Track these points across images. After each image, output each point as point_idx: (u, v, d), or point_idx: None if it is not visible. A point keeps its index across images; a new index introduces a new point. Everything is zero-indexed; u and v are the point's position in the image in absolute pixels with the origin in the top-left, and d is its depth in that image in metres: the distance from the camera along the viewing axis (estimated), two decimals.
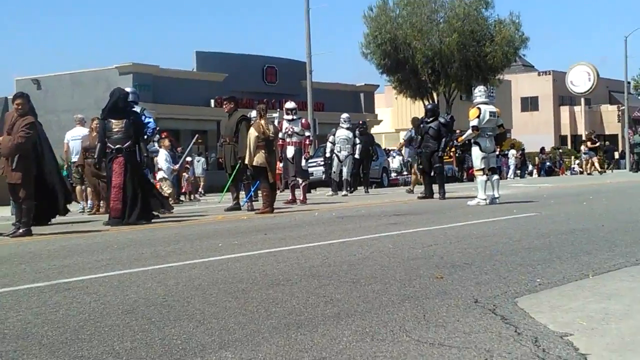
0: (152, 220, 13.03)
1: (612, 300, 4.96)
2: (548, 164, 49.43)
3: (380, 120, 49.15)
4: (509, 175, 42.62)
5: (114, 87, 15.24)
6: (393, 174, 37.01)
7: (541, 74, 73.19)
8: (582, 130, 70.83)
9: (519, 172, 44.28)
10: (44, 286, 6.23)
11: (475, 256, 7.13)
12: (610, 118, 72.74)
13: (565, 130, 72.82)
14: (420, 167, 18.31)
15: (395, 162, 38.61)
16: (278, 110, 18.64)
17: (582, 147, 52.43)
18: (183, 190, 25.19)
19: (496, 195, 14.56)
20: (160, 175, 16.86)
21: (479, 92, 15.15)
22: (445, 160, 20.66)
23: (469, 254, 7.32)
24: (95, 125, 15.52)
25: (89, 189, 17.58)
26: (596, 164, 36.80)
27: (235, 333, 4.36)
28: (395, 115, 58.00)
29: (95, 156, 13.18)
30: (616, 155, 52.17)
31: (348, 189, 22.06)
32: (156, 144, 18.94)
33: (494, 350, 3.84)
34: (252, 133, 14.33)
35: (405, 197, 19.04)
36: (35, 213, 11.43)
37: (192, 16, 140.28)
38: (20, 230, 10.94)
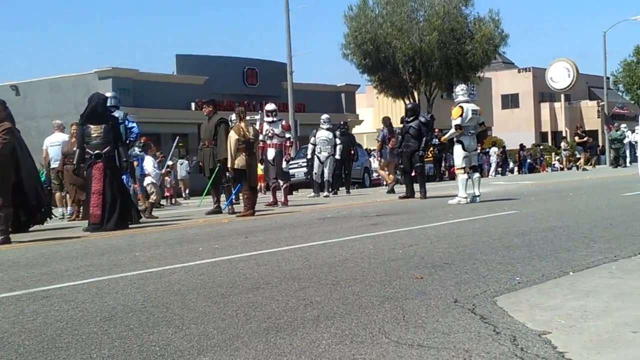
0: (132, 226, 12.96)
1: (591, 298, 4.97)
2: (529, 160, 49.64)
3: (362, 120, 49.21)
4: (490, 173, 42.76)
5: (93, 92, 15.19)
6: (375, 174, 36.98)
7: (521, 70, 73.55)
8: (562, 127, 71.18)
9: (500, 169, 44.44)
10: (22, 294, 6.18)
11: (455, 255, 7.13)
12: (590, 114, 73.11)
13: (546, 127, 73.19)
14: (401, 166, 18.33)
15: (376, 162, 38.58)
16: (260, 112, 18.59)
17: (562, 144, 52.79)
18: (165, 195, 25.11)
19: (477, 194, 14.60)
20: (148, 180, 16.72)
21: (461, 90, 15.20)
22: (426, 160, 20.69)
23: (449, 253, 7.33)
24: (74, 130, 15.44)
25: (67, 195, 17.48)
26: (582, 160, 36.88)
27: (214, 338, 4.34)
28: (376, 115, 57.87)
29: (74, 162, 13.07)
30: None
31: (330, 190, 22.07)
32: (136, 149, 18.86)
33: (472, 350, 3.84)
34: (233, 136, 14.30)
35: (386, 197, 19.05)
36: (14, 220, 11.34)
37: (171, 19, 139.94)
38: None
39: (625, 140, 38.30)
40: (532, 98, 72.37)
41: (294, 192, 25.58)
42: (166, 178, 24.30)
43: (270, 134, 17.67)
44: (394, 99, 48.93)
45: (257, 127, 17.69)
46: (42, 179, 17.75)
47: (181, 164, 30.35)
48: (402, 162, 17.91)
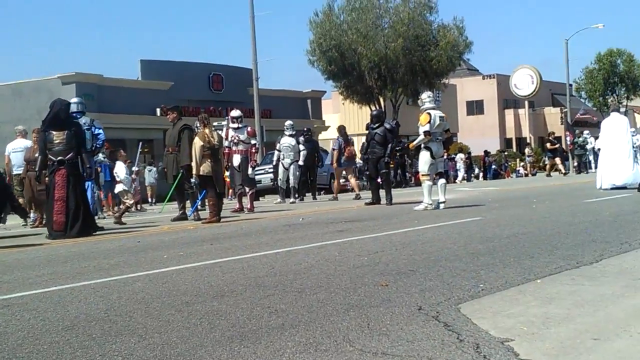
0: (96, 233, 12.85)
1: (553, 305, 5.02)
2: (494, 167, 50.05)
3: (328, 126, 49.22)
4: (458, 180, 43.07)
5: (57, 97, 15.03)
6: (342, 180, 37.03)
7: (486, 77, 74.14)
8: (526, 133, 71.93)
9: (465, 175, 44.75)
10: None
11: (420, 262, 7.16)
12: (554, 120, 73.87)
13: (511, 133, 73.84)
14: (367, 172, 18.38)
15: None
16: (226, 118, 18.55)
17: (527, 150, 53.30)
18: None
19: (442, 200, 14.68)
20: (119, 187, 16.53)
21: (428, 97, 15.28)
22: (391, 166, 20.80)
23: (414, 260, 7.35)
24: (36, 137, 15.29)
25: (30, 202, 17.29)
26: (547, 166, 37.00)
27: (178, 347, 4.31)
28: (342, 121, 57.70)
29: (37, 168, 12.93)
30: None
31: (295, 196, 22.09)
32: (101, 155, 18.72)
33: (436, 358, 3.86)
34: (197, 142, 14.25)
35: (352, 204, 19.09)
36: None
37: (136, 24, 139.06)
38: None
39: (588, 147, 38.79)
40: (496, 104, 72.99)
41: (260, 199, 25.55)
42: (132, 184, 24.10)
43: (235, 140, 17.64)
44: (360, 105, 49.03)
45: (224, 133, 17.67)
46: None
47: (149, 171, 30.17)
48: (368, 169, 17.97)
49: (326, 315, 4.96)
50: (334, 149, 22.81)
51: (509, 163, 54.29)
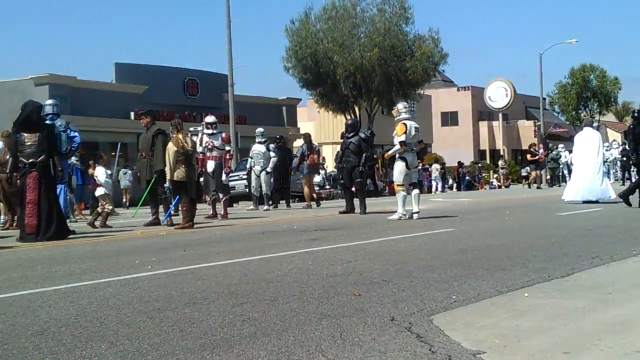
0: (68, 237, 12.73)
1: (525, 317, 5.04)
2: (467, 178, 50.32)
3: (308, 133, 49.20)
4: (435, 189, 43.32)
5: (29, 98, 14.90)
6: (316, 188, 37.06)
7: (460, 89, 74.60)
8: (500, 145, 72.40)
9: (439, 186, 44.98)
10: None
11: (393, 273, 7.17)
12: (527, 133, 74.46)
13: (484, 145, 74.32)
14: (342, 181, 18.41)
15: (317, 177, 38.68)
16: (202, 123, 18.51)
17: (500, 162, 53.66)
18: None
19: (416, 210, 14.72)
20: (100, 191, 16.37)
21: (404, 108, 15.33)
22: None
23: (387, 270, 7.35)
24: (4, 138, 15.16)
25: (1, 204, 17.10)
26: (531, 178, 37.01)
27: (148, 355, 4.28)
28: (317, 128, 58.18)
29: (7, 171, 12.79)
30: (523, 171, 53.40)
31: (269, 203, 22.06)
32: (73, 159, 18.55)
33: None
34: (171, 148, 14.19)
35: (326, 212, 19.09)
36: None
37: (111, 27, 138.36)
38: None
39: (562, 160, 39.13)
40: (470, 116, 73.44)
41: (234, 205, 25.48)
42: None
43: (210, 146, 17.60)
44: (335, 114, 49.11)
45: (198, 138, 17.62)
46: None
47: (124, 174, 29.99)
48: (343, 178, 17.98)
49: (299, 325, 4.95)
50: (296, 156, 22.86)
51: (483, 174, 54.64)
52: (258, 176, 21.90)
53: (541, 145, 42.13)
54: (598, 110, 75.27)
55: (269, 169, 22.02)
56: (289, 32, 45.85)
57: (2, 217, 17.29)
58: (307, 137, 23.37)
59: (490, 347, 4.28)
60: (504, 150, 70.78)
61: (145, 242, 11.66)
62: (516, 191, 33.60)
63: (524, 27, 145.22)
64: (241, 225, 14.99)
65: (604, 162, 21.10)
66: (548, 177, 40.34)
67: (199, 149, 17.15)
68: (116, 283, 7.03)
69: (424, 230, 12.04)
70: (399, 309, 5.36)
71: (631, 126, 17.26)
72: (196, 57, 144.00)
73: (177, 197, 15.11)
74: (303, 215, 18.15)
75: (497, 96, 71.12)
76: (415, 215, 14.61)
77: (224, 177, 17.69)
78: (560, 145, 41.58)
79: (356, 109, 47.02)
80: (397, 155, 14.91)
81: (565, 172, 38.16)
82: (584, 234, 10.65)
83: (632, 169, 30.42)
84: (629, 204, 15.95)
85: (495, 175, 53.70)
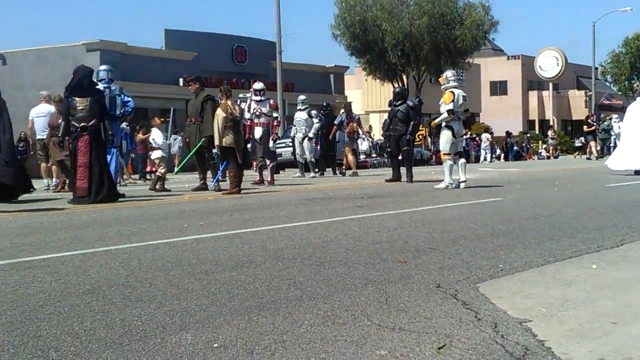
0: (118, 200, 12.93)
1: (572, 287, 5.01)
2: (515, 148, 49.79)
3: (350, 102, 49.14)
4: (483, 159, 43.00)
5: (80, 64, 15.07)
6: (362, 156, 37.03)
7: (510, 58, 73.58)
8: (550, 115, 71.44)
9: (487, 155, 44.62)
10: (5, 264, 6.16)
11: (439, 241, 7.16)
12: (578, 103, 73.40)
13: (534, 115, 73.38)
14: (389, 150, 18.35)
15: (364, 145, 38.65)
16: (250, 90, 18.58)
17: (549, 132, 52.93)
18: (148, 169, 25.01)
19: (463, 179, 14.61)
20: (156, 154, 16.56)
21: (452, 76, 15.18)
22: (419, 143, 20.77)
23: (433, 238, 7.35)
24: (57, 102, 15.39)
25: (54, 167, 17.41)
26: (593, 149, 36.45)
27: (197, 315, 4.35)
28: (365, 97, 58.03)
29: (59, 134, 13.00)
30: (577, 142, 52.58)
31: (316, 170, 22.11)
32: (124, 124, 18.75)
33: (453, 336, 3.86)
34: (220, 114, 14.25)
35: (372, 180, 19.08)
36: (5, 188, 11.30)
37: None
38: None
39: (614, 131, 38.41)
40: (520, 86, 72.48)
41: (280, 172, 25.58)
42: (150, 153, 24.14)
43: (258, 113, 17.64)
44: (383, 82, 48.87)
45: (246, 105, 17.68)
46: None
47: (175, 139, 30.24)
48: (390, 146, 17.92)
49: (344, 289, 4.98)
50: (334, 124, 22.81)
51: (531, 145, 53.96)
52: (301, 143, 21.98)
53: (593, 116, 41.44)
54: None
55: (311, 135, 22.05)
56: None
57: (54, 179, 17.61)
58: (347, 107, 23.55)
59: (536, 315, 4.27)
60: (553, 120, 69.81)
61: (193, 207, 11.79)
62: (565, 162, 33.18)
63: None
64: (287, 192, 15.06)
65: None
66: (598, 147, 39.67)
67: (247, 115, 17.22)
68: (165, 245, 7.13)
69: (471, 199, 11.97)
70: (445, 277, 5.36)
71: None
72: (245, 24, 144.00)
73: (225, 162, 15.21)
74: (349, 182, 18.16)
75: (548, 65, 70.01)
76: (462, 185, 14.51)
77: (271, 143, 17.75)
78: (615, 116, 40.81)
79: (404, 77, 46.71)
80: (443, 124, 14.80)
81: (618, 142, 37.44)
82: (635, 205, 10.49)
83: None
84: None
85: (544, 146, 53.00)
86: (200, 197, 13.77)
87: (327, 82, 47.67)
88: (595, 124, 36.11)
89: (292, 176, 22.58)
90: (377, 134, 44.21)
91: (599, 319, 4.19)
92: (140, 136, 25.47)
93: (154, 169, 16.68)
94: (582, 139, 37.91)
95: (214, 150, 14.99)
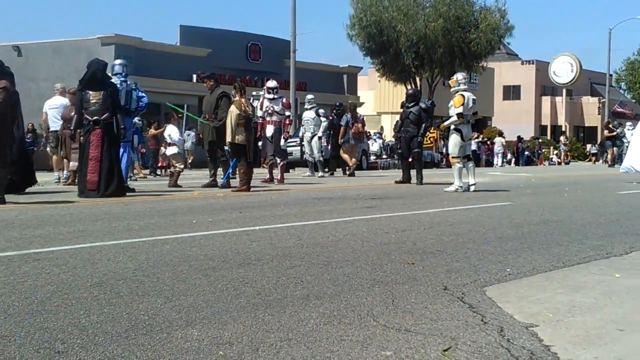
0: (128, 194, 12.97)
1: (580, 293, 4.99)
2: (526, 153, 49.68)
3: (362, 103, 49.15)
4: (496, 163, 42.94)
5: (95, 57, 15.12)
6: (372, 157, 37.08)
7: (524, 63, 73.39)
8: (562, 121, 71.21)
9: (499, 160, 44.56)
10: (14, 255, 6.19)
11: (447, 243, 7.15)
12: (591, 110, 73.15)
13: (546, 121, 73.16)
14: (399, 151, 18.34)
15: (375, 146, 38.70)
16: (264, 88, 18.62)
17: (562, 138, 52.78)
18: (159, 165, 25.11)
19: (472, 182, 14.58)
20: (172, 150, 16.61)
21: (463, 78, 15.15)
22: (424, 146, 20.76)
23: (441, 240, 7.34)
24: (71, 95, 15.44)
25: (64, 160, 17.47)
26: (609, 156, 36.21)
27: (203, 311, 4.35)
28: (377, 98, 57.96)
29: (72, 127, 13.04)
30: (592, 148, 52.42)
31: (325, 170, 22.14)
32: (136, 119, 18.82)
33: (459, 338, 3.86)
34: (234, 110, 14.26)
35: (382, 181, 19.07)
36: (10, 181, 11.32)
37: None
38: None
39: (628, 139, 38.26)
40: (533, 91, 72.29)
41: (290, 171, 25.62)
42: (161, 148, 24.21)
43: (270, 111, 17.66)
44: (395, 84, 48.84)
45: (259, 103, 17.72)
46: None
47: (188, 135, 30.30)
48: (401, 147, 17.91)
49: (351, 289, 4.98)
50: (341, 125, 22.84)
51: (543, 150, 53.82)
52: (309, 142, 22.04)
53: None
54: None
55: (320, 134, 22.10)
56: None
57: (65, 172, 17.66)
58: (351, 107, 23.61)
59: (543, 320, 4.26)
60: (566, 126, 69.56)
61: (202, 203, 11.81)
62: (576, 168, 33.05)
63: (593, 0, 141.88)
64: (296, 191, 15.07)
65: None
66: (609, 156, 39.54)
67: (259, 113, 17.25)
68: (173, 241, 7.15)
69: (480, 203, 11.95)
70: (452, 279, 5.36)
71: None
72: (260, 22, 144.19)
73: (234, 159, 15.23)
74: (359, 183, 18.16)
75: (562, 71, 69.81)
76: (472, 187, 14.47)
77: (282, 142, 17.77)
78: (629, 123, 40.64)
79: (417, 79, 46.66)
80: (452, 127, 14.77)
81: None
82: None
83: None
84: None
85: (556, 152, 52.86)
86: (209, 194, 13.79)
87: (340, 82, 47.65)
88: (615, 129, 36.00)
89: (301, 175, 22.59)
90: (389, 135, 44.22)
91: (606, 326, 4.17)
92: (152, 131, 25.55)
93: (170, 165, 16.74)
94: (598, 145, 37.75)
95: (225, 147, 15.00)
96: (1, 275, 5.37)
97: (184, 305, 4.48)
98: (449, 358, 3.56)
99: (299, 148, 27.56)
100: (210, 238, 7.39)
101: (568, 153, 52.07)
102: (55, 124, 17.47)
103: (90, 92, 12.66)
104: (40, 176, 16.54)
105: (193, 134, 30.11)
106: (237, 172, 15.21)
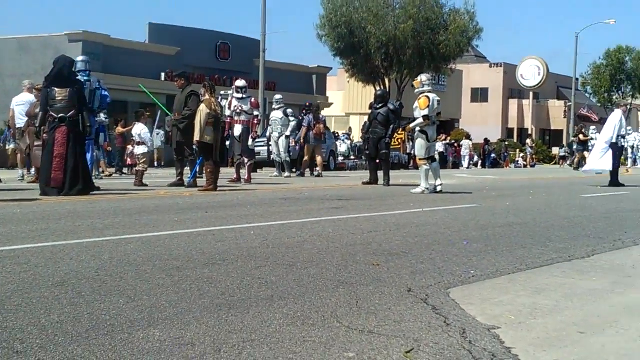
0: (93, 193, 12.85)
1: (542, 295, 5.03)
2: (493, 155, 50.04)
3: (331, 103, 49.21)
4: (463, 165, 43.17)
5: (62, 54, 14.97)
6: (340, 158, 37.14)
7: (492, 65, 73.88)
8: (529, 124, 71.81)
9: (466, 162, 44.84)
10: None
11: (413, 245, 7.18)
12: (557, 113, 73.83)
13: (513, 123, 73.72)
14: (367, 152, 18.38)
15: (343, 147, 38.77)
16: (232, 87, 18.58)
17: (528, 141, 53.24)
18: (128, 163, 24.91)
19: (438, 183, 14.66)
20: (142, 149, 16.48)
21: (427, 80, 15.23)
22: (392, 147, 20.85)
23: (407, 242, 7.36)
24: (37, 91, 15.27)
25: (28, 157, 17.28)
26: (576, 158, 36.84)
27: (166, 311, 4.32)
28: (346, 99, 58.03)
29: (37, 124, 12.90)
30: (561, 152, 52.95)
31: (293, 170, 22.15)
32: (102, 115, 18.64)
33: (422, 340, 3.87)
34: (204, 109, 14.20)
35: (349, 182, 19.10)
36: None
37: None
38: None
39: (593, 142, 38.77)
40: (501, 93, 72.80)
41: (258, 170, 25.58)
42: (129, 147, 24.05)
43: (238, 110, 17.61)
44: (365, 84, 48.93)
45: (227, 102, 17.67)
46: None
47: (157, 134, 30.12)
48: (368, 148, 17.95)
49: (316, 291, 4.98)
50: (303, 126, 22.91)
51: (509, 153, 54.26)
52: (276, 142, 22.07)
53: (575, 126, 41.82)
54: (631, 93, 74.07)
55: (288, 133, 22.14)
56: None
57: (32, 170, 17.47)
58: (314, 108, 23.66)
59: (505, 323, 4.29)
60: (532, 129, 70.17)
61: (168, 202, 11.74)
62: (542, 171, 33.36)
63: (561, 5, 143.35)
64: (263, 191, 15.04)
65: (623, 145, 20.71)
66: (575, 159, 40.02)
67: (227, 112, 17.20)
68: (137, 240, 7.09)
69: (446, 205, 12.01)
70: (417, 281, 5.38)
71: None
72: (229, 20, 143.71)
73: (200, 158, 15.17)
74: (326, 183, 18.17)
75: (530, 74, 70.45)
76: (438, 188, 14.53)
77: (250, 142, 17.73)
78: (592, 127, 41.14)
79: (386, 80, 46.79)
80: (417, 130, 14.84)
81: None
82: (608, 217, 10.58)
83: None
84: None
85: (522, 155, 53.32)
86: (176, 193, 13.72)
87: (310, 82, 47.66)
88: (588, 134, 36.68)
89: (269, 175, 22.56)
90: (357, 136, 44.31)
91: (567, 328, 4.21)
92: (119, 129, 25.37)
93: (136, 163, 16.62)
94: (567, 148, 38.35)
95: (193, 146, 14.93)
96: None
97: (146, 305, 4.45)
98: None
99: (266, 148, 27.56)
100: (175, 238, 7.34)
101: (534, 156, 52.54)
102: (22, 121, 17.27)
103: (57, 89, 12.52)
104: (2, 173, 16.37)
105: (162, 132, 29.99)
106: (204, 172, 15.14)
